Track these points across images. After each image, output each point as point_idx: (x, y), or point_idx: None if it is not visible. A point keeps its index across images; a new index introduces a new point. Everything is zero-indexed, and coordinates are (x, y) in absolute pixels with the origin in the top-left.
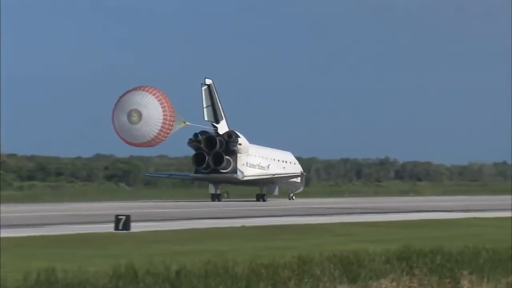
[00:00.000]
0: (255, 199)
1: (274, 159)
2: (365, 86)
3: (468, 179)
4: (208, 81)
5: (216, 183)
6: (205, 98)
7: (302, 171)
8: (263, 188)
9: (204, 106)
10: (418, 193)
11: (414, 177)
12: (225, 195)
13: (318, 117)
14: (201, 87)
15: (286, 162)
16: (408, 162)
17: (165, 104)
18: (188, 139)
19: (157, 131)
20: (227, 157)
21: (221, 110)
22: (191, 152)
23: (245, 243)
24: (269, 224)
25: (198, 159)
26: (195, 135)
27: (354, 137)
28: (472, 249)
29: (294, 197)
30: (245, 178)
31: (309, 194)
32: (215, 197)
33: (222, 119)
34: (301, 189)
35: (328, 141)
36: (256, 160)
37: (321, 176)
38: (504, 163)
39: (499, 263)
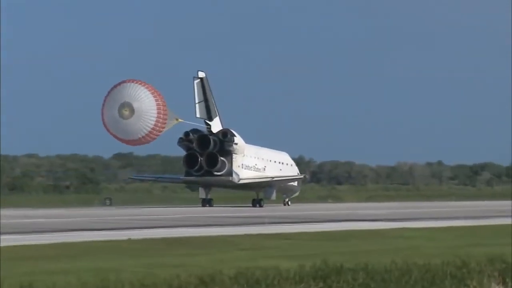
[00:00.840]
0: (250, 205)
1: (270, 160)
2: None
3: (397, 181)
4: (201, 74)
5: (207, 186)
6: (197, 92)
7: (305, 174)
8: (259, 192)
9: (196, 101)
10: (338, 198)
11: (333, 180)
12: (107, 202)
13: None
14: (193, 81)
15: (282, 163)
16: (326, 162)
17: (158, 98)
18: (178, 138)
19: (150, 126)
20: (221, 158)
21: (215, 106)
22: (180, 152)
23: (131, 259)
24: (161, 236)
25: (190, 160)
26: (186, 133)
27: (262, 132)
28: (401, 265)
29: (289, 203)
30: (241, 181)
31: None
32: (206, 203)
33: (216, 116)
34: (297, 194)
35: None
36: (252, 161)
37: None
38: (440, 163)
39: (432, 282)
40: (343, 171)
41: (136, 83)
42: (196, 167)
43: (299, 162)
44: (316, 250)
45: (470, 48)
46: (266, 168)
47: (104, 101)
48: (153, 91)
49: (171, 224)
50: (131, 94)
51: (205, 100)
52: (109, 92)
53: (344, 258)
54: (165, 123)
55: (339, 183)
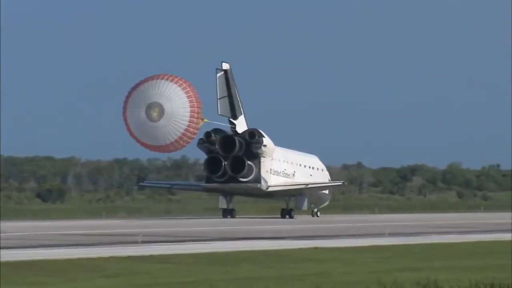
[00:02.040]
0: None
1: (300, 165)
2: None
3: None
4: (225, 66)
5: (230, 195)
6: (220, 87)
7: (344, 181)
8: (289, 201)
9: (219, 97)
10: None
11: None
12: None
13: None
14: (216, 73)
15: (313, 168)
16: None
17: (192, 97)
18: (198, 139)
19: (181, 131)
20: (248, 162)
21: (240, 102)
22: (201, 155)
23: None
24: (6, 259)
25: (212, 165)
26: (207, 134)
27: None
28: None
29: (319, 213)
30: (270, 189)
31: (69, 212)
32: (227, 213)
33: (241, 114)
34: (327, 203)
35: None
36: (280, 165)
37: (83, 186)
38: (359, 165)
39: None
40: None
41: (165, 79)
42: (219, 173)
43: (179, 164)
44: (197, 276)
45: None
46: (295, 174)
47: (127, 100)
48: (186, 88)
49: (20, 244)
50: (160, 92)
51: (229, 96)
52: (132, 90)
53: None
54: (198, 126)
55: None
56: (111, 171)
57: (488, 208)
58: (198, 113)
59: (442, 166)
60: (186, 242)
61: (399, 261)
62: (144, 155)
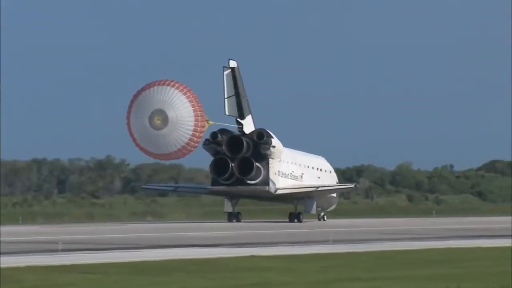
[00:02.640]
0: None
1: (308, 167)
2: None
3: None
4: (232, 64)
5: (236, 198)
6: (227, 85)
7: (356, 183)
8: (297, 204)
9: (226, 96)
10: (160, 216)
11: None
12: None
13: None
14: (223, 71)
15: (320, 170)
16: (144, 165)
17: (194, 102)
18: (204, 140)
19: (187, 137)
20: (257, 163)
21: (247, 101)
22: (206, 157)
23: None
24: None
25: (218, 167)
26: (213, 134)
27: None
28: None
29: (325, 217)
30: (279, 192)
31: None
32: (233, 217)
33: (249, 114)
34: (334, 207)
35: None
36: (288, 167)
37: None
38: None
39: None
40: (168, 177)
41: (168, 85)
42: (226, 175)
43: (102, 164)
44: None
45: None
46: (303, 176)
47: (131, 107)
48: (188, 94)
49: None
50: (164, 99)
51: (237, 95)
52: (136, 96)
53: None
54: (202, 134)
55: (163, 194)
56: (29, 173)
57: (440, 213)
58: (201, 116)
59: (391, 167)
60: (113, 250)
61: (344, 270)
62: (64, 154)
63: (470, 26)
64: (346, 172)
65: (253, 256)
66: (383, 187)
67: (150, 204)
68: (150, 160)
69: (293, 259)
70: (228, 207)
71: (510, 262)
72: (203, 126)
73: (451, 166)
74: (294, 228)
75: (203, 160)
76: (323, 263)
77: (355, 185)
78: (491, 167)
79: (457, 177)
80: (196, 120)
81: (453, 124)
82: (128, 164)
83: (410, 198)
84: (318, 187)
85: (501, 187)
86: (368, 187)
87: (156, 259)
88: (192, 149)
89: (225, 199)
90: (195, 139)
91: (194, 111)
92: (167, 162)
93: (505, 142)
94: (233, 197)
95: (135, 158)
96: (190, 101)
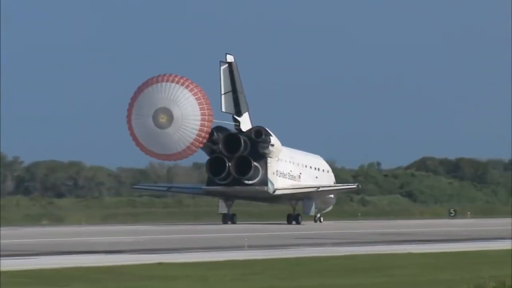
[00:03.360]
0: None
1: (305, 166)
2: None
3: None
4: (229, 58)
5: (232, 198)
6: (224, 81)
7: (358, 184)
8: (296, 206)
9: (223, 92)
10: (57, 219)
11: (49, 190)
12: None
13: None
14: (220, 66)
15: (318, 169)
16: (39, 163)
17: (202, 99)
18: None
19: (193, 137)
20: (255, 163)
21: (245, 98)
22: (202, 156)
23: None
24: None
25: (215, 166)
26: (209, 132)
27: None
28: None
29: (322, 219)
30: (277, 192)
31: None
32: (228, 219)
33: (246, 110)
34: (331, 208)
35: None
36: (286, 167)
37: None
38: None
39: None
40: (66, 176)
41: (170, 81)
42: (223, 175)
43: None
44: None
45: None
46: (301, 176)
47: (132, 105)
48: (195, 90)
49: None
50: (168, 97)
51: (234, 91)
52: (138, 94)
53: None
54: (209, 132)
55: (60, 195)
56: None
57: (367, 215)
58: (209, 115)
59: None
60: (4, 258)
61: (261, 278)
62: None
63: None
64: None
65: (160, 264)
66: None
67: (46, 206)
68: (46, 157)
69: (206, 266)
70: (222, 208)
71: (444, 270)
72: (210, 124)
73: (378, 164)
74: (205, 233)
75: (105, 158)
76: (239, 271)
77: (357, 185)
78: (422, 165)
79: (385, 176)
80: (203, 120)
81: (379, 119)
82: (22, 162)
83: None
84: (319, 187)
85: (432, 186)
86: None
87: (53, 267)
88: (200, 145)
89: (219, 200)
90: (201, 139)
91: (201, 109)
92: (66, 160)
93: (436, 138)
94: (229, 198)
95: (29, 155)
96: (195, 96)
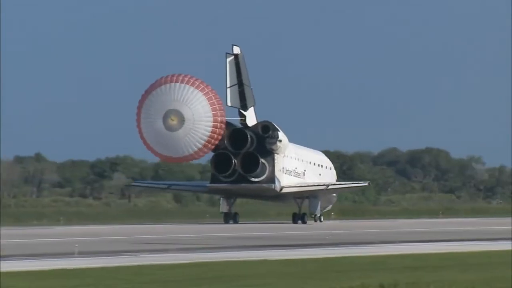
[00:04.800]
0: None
1: (310, 163)
2: None
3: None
4: (236, 50)
5: (235, 197)
6: (230, 73)
7: (369, 181)
8: (301, 204)
9: (228, 85)
10: None
11: None
12: None
13: None
14: (226, 58)
15: (321, 166)
16: None
17: (214, 100)
18: None
19: (205, 138)
20: (262, 159)
21: (252, 91)
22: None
23: None
24: None
25: (220, 162)
26: None
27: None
28: None
29: (322, 218)
30: (284, 190)
31: None
32: (230, 218)
33: (252, 105)
34: (330, 207)
35: None
36: (291, 164)
37: None
38: (38, 156)
39: None
40: None
41: (180, 81)
42: (228, 172)
43: None
44: None
45: None
46: (305, 173)
47: (141, 106)
48: (206, 90)
49: None
50: (179, 98)
51: (240, 84)
52: (147, 94)
53: None
54: (222, 133)
55: None
56: None
57: (217, 216)
58: (222, 116)
59: (154, 159)
60: None
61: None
62: None
63: None
64: (96, 165)
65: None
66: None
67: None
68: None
69: (31, 276)
70: (224, 207)
71: (306, 279)
72: (222, 123)
73: None
74: (26, 238)
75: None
76: (70, 282)
77: (368, 183)
78: None
79: None
80: (215, 118)
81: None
82: None
83: (177, 199)
84: (328, 185)
85: None
86: (124, 185)
87: None
88: (212, 147)
89: (221, 198)
90: (213, 141)
91: (213, 109)
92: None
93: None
94: (232, 196)
95: None
96: (208, 98)
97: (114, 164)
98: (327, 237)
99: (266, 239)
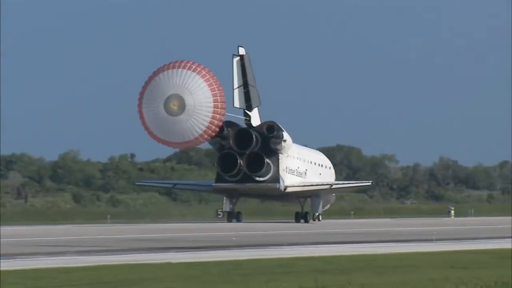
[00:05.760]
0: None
1: (311, 162)
2: None
3: None
4: (241, 51)
5: (238, 196)
6: (236, 74)
7: (372, 181)
8: (304, 203)
9: (235, 86)
10: None
11: None
12: None
13: None
14: (233, 59)
15: (322, 166)
16: None
17: (215, 86)
18: None
19: (205, 125)
20: (267, 159)
21: (257, 92)
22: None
23: None
24: None
25: (226, 162)
26: (219, 127)
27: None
28: None
29: (321, 217)
30: (288, 190)
31: None
32: (233, 217)
33: (257, 105)
34: (328, 206)
35: None
36: (294, 163)
37: None
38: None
39: None
40: None
41: (182, 67)
42: (234, 171)
43: None
44: None
45: None
46: (307, 172)
47: (143, 93)
48: (207, 76)
49: None
50: (180, 83)
51: (245, 85)
52: (148, 82)
53: None
54: (222, 120)
55: None
56: None
57: (118, 217)
58: (222, 102)
59: (53, 157)
60: None
61: None
62: None
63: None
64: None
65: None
66: (41, 183)
67: None
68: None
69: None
70: (227, 206)
71: (211, 284)
72: (223, 113)
73: (132, 156)
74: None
75: None
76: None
77: (371, 183)
78: (185, 157)
79: (140, 169)
80: (216, 104)
81: None
82: None
83: (77, 199)
84: (331, 184)
85: None
86: (21, 184)
87: None
88: (213, 134)
89: (224, 198)
90: (213, 127)
91: (214, 95)
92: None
93: None
94: (235, 195)
95: None
96: (209, 84)
97: (10, 163)
98: (234, 238)
99: (172, 241)
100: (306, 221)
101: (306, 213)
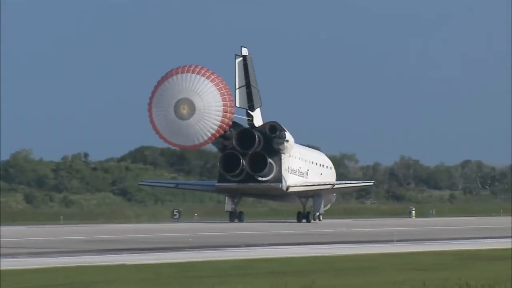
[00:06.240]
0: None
1: (312, 162)
2: None
3: None
4: (244, 51)
5: (240, 196)
6: (238, 75)
7: (374, 181)
8: (306, 203)
9: (237, 86)
10: None
11: None
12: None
13: None
14: (235, 59)
15: (322, 166)
16: None
17: (224, 91)
18: None
19: (215, 128)
20: (269, 159)
21: (258, 92)
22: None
23: None
24: None
25: (228, 162)
26: None
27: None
28: None
29: (321, 217)
30: (290, 189)
31: None
32: (235, 217)
33: (259, 105)
34: (328, 206)
35: None
36: (296, 163)
37: None
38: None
39: None
40: None
41: (191, 72)
42: (237, 171)
43: None
44: None
45: None
46: (308, 172)
47: (153, 96)
48: (217, 81)
49: None
50: (190, 87)
51: (247, 85)
52: (157, 86)
53: None
54: (230, 124)
55: None
56: None
57: (71, 219)
58: (231, 106)
59: (4, 156)
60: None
61: None
62: None
63: None
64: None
65: None
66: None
67: None
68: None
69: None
70: (229, 205)
71: (164, 286)
72: (231, 117)
73: (86, 155)
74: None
75: None
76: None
77: (374, 183)
78: (140, 156)
79: (94, 169)
80: (225, 108)
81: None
82: None
83: (29, 199)
84: (333, 184)
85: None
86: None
87: None
88: (217, 135)
89: (226, 197)
90: (221, 130)
91: (223, 99)
92: None
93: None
94: (237, 195)
95: None
96: (218, 88)
97: None
98: (190, 239)
99: (126, 243)
100: (308, 221)
101: (308, 212)
